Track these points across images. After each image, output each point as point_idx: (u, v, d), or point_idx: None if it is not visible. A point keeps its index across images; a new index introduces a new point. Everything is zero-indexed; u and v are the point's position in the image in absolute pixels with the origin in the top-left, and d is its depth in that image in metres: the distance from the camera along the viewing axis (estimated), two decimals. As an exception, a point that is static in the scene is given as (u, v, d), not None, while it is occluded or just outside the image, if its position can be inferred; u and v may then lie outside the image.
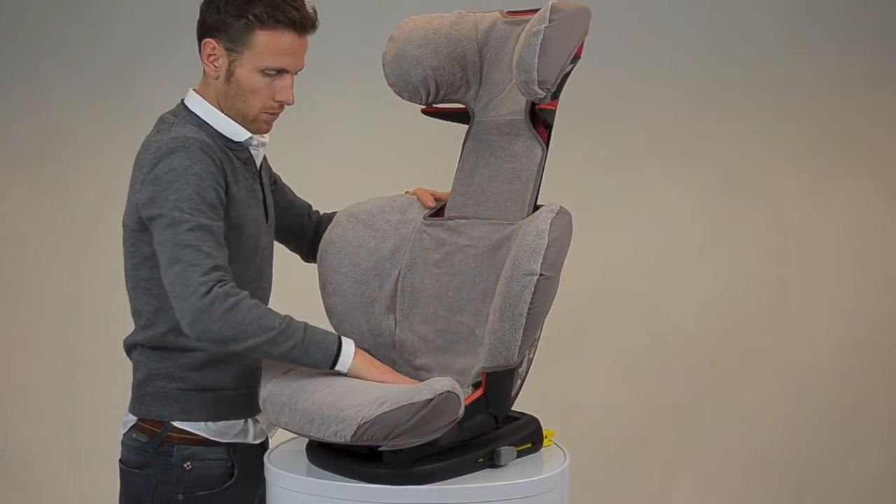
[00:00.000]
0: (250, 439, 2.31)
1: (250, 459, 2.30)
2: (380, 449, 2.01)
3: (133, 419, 2.29)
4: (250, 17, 2.18)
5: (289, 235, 2.55)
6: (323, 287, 2.36)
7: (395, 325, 2.34)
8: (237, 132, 2.25)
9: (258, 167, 2.32)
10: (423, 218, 2.38)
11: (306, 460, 2.16)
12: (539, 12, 2.17)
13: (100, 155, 3.87)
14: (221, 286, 2.04)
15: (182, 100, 2.29)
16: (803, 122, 3.96)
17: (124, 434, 2.31)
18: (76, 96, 3.89)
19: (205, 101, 2.25)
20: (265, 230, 2.32)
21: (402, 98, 2.41)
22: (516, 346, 2.07)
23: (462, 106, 2.42)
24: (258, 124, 2.27)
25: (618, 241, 3.93)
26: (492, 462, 2.13)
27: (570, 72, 2.21)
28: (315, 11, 2.24)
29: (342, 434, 1.97)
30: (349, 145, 3.88)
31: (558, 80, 2.17)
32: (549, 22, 2.13)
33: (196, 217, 2.08)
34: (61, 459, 3.91)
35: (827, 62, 3.94)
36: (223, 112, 2.25)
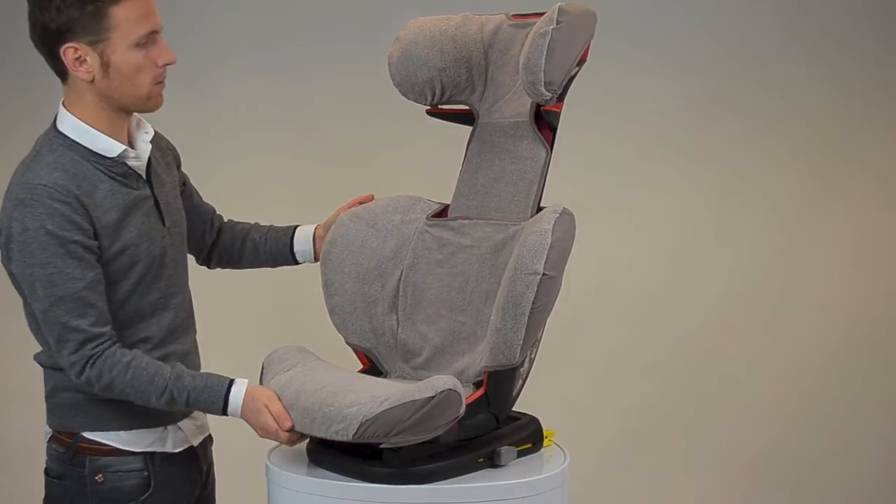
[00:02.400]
0: (169, 448, 2.22)
1: (172, 468, 2.22)
2: (381, 446, 2.01)
3: (50, 430, 2.22)
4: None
5: (189, 240, 2.43)
6: (325, 286, 2.36)
7: (398, 324, 2.35)
8: (109, 147, 2.12)
9: (144, 174, 2.19)
10: (427, 218, 2.39)
11: (306, 459, 2.16)
12: (546, 14, 2.18)
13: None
14: (93, 363, 2.05)
15: (55, 116, 2.15)
16: (805, 121, 3.96)
17: (47, 444, 2.24)
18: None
19: (73, 117, 2.11)
20: (162, 235, 2.20)
21: (408, 98, 2.40)
22: (518, 346, 2.08)
23: (467, 107, 2.43)
24: (154, 100, 2.14)
25: (618, 240, 3.93)
26: (492, 462, 2.13)
27: (575, 74, 2.22)
28: None
29: (344, 432, 1.98)
30: (351, 146, 3.88)
31: (564, 82, 2.18)
32: (557, 23, 2.13)
33: (53, 289, 2.03)
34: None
35: (829, 62, 3.95)
36: (96, 123, 2.12)
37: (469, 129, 2.43)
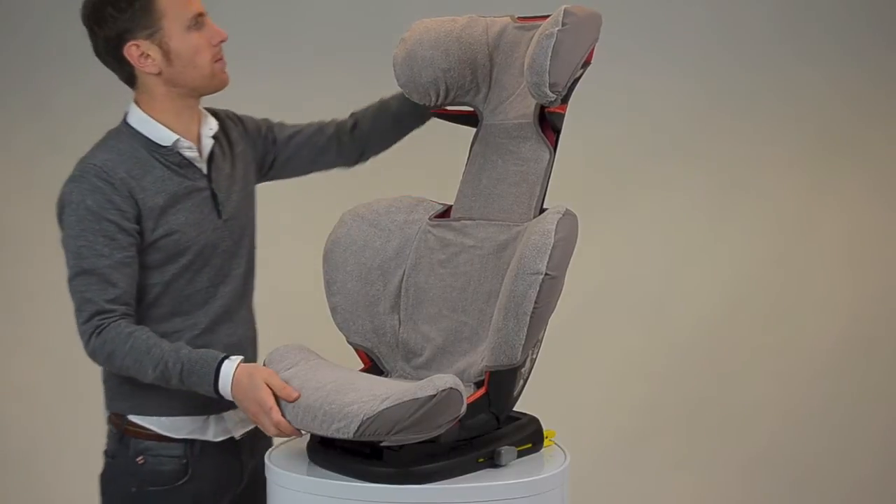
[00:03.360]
0: (209, 436, 2.31)
1: (211, 457, 2.31)
2: (381, 445, 2.01)
3: (107, 411, 2.36)
4: None
5: (325, 163, 2.59)
6: (328, 285, 2.36)
7: (399, 324, 2.35)
8: (164, 136, 2.28)
9: (205, 167, 2.33)
10: (429, 218, 2.39)
11: (307, 459, 2.16)
12: (552, 16, 2.19)
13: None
14: (99, 332, 2.16)
15: (125, 112, 2.33)
16: (804, 121, 3.96)
17: (107, 424, 2.37)
18: (77, 100, 3.87)
19: (140, 111, 2.29)
20: (215, 227, 2.32)
21: (412, 99, 2.41)
22: (520, 346, 2.08)
23: (471, 109, 2.43)
24: (219, 77, 2.30)
25: (617, 240, 3.93)
26: (492, 462, 2.13)
27: (580, 76, 2.22)
28: None
29: (345, 430, 1.98)
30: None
31: (569, 84, 2.18)
32: (562, 25, 2.14)
33: (80, 261, 2.17)
34: (64, 456, 3.91)
35: (829, 62, 3.95)
36: (161, 117, 2.27)
37: (473, 130, 2.43)
